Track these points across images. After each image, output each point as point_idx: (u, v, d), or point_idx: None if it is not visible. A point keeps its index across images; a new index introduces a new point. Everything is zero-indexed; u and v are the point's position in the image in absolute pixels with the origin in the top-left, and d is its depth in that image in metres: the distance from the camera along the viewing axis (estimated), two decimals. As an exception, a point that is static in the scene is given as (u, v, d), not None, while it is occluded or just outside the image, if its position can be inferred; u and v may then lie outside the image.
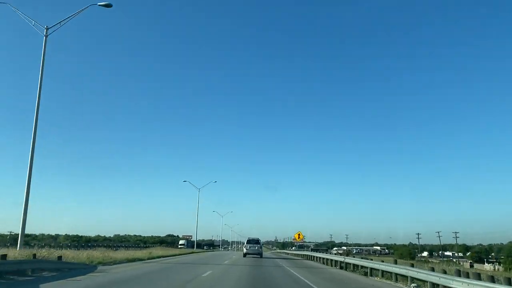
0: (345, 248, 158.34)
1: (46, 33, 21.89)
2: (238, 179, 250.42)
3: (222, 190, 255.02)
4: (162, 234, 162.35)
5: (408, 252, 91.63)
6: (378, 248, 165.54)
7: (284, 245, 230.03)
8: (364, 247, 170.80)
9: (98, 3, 21.40)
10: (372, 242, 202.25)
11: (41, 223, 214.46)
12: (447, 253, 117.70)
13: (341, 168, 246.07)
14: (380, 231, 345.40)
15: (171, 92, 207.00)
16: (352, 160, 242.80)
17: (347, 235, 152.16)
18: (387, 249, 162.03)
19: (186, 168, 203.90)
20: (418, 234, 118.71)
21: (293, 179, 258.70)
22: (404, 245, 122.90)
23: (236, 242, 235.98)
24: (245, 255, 37.61)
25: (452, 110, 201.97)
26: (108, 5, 21.32)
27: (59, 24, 21.98)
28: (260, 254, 38.09)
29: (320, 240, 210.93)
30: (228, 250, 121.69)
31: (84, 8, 21.94)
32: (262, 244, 44.71)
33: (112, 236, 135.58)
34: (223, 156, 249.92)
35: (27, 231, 25.85)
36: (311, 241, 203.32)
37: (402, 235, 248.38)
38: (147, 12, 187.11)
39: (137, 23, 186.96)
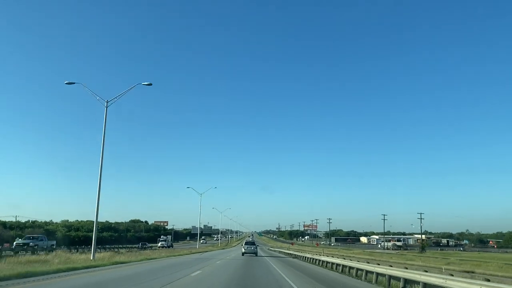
0: (387, 238, 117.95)
1: (106, 105, 29.83)
2: (237, 169, 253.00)
3: (222, 181, 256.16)
4: (126, 219, 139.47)
5: None
6: (417, 236, 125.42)
7: (291, 234, 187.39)
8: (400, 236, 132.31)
9: (142, 83, 30.30)
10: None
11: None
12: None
13: (342, 162, 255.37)
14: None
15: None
16: (352, 151, 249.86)
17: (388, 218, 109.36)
18: (425, 236, 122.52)
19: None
20: None
21: (295, 169, 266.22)
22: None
23: (230, 231, 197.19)
24: (243, 254, 42.50)
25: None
26: (149, 84, 30.21)
27: (115, 98, 30.30)
28: (255, 253, 43.70)
29: (325, 229, 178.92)
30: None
31: (133, 87, 30.44)
32: (258, 245, 52.34)
33: (59, 221, 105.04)
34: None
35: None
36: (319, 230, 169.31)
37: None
38: None
39: None
